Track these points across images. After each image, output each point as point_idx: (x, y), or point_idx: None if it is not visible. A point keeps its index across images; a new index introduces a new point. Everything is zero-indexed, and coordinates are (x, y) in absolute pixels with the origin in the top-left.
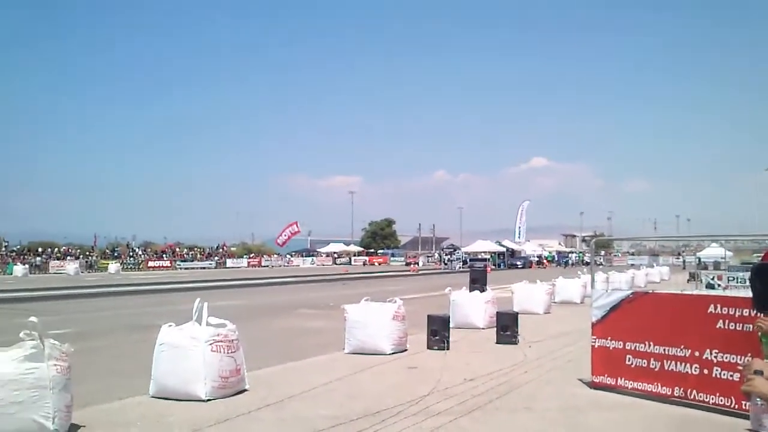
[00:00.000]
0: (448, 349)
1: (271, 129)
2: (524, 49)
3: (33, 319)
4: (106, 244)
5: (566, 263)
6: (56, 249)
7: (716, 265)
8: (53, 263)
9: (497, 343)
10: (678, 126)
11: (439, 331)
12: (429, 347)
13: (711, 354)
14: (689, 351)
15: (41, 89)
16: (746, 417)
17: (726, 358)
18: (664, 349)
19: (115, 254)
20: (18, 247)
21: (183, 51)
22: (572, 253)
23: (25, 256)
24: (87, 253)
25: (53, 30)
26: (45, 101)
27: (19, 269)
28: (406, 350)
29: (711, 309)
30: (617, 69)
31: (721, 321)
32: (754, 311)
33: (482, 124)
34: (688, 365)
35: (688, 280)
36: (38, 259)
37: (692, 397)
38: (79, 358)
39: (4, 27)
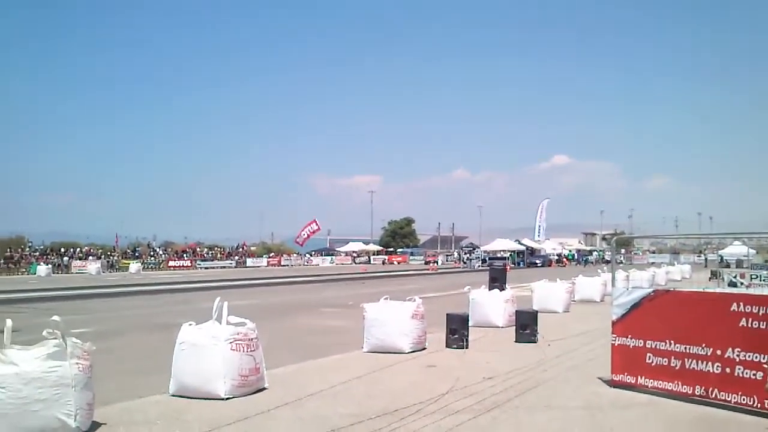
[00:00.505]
0: (467, 347)
1: (292, 129)
2: (546, 47)
3: (55, 318)
4: (127, 244)
5: (586, 261)
6: (78, 249)
7: (739, 263)
8: (75, 263)
9: (517, 341)
10: (700, 123)
11: (458, 330)
12: (448, 346)
13: (733, 352)
14: (711, 349)
15: (63, 91)
16: None
17: (749, 356)
18: (685, 348)
19: (136, 254)
20: (41, 247)
21: (205, 49)
22: (594, 251)
23: (48, 256)
24: (108, 253)
25: (71, 30)
26: (67, 104)
27: (42, 269)
28: (425, 349)
29: (734, 307)
30: (640, 67)
31: (744, 319)
32: None
33: (502, 122)
34: (709, 364)
35: (710, 278)
36: (65, 258)
37: (714, 396)
38: (100, 357)
39: (24, 27)
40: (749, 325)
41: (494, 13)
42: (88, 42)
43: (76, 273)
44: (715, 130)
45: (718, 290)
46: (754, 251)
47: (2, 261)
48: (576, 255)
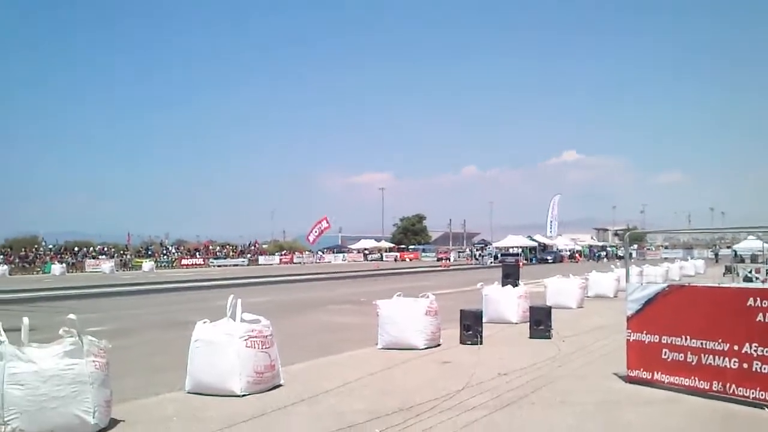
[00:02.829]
0: (481, 343)
1: (303, 127)
2: (556, 43)
3: (71, 316)
4: (139, 243)
5: (598, 257)
6: (91, 248)
7: (753, 258)
8: (89, 262)
9: (530, 337)
10: (712, 117)
11: (472, 326)
12: (462, 342)
13: (751, 348)
14: (728, 345)
15: (76, 91)
16: None
17: (767, 352)
18: (702, 343)
19: (149, 252)
20: (54, 246)
21: (214, 48)
22: (608, 247)
23: (62, 256)
24: (121, 251)
25: (83, 28)
26: (78, 104)
27: (56, 268)
28: (439, 345)
29: (750, 302)
30: (650, 60)
31: (761, 314)
32: None
33: (512, 118)
34: (726, 359)
35: (725, 274)
36: (79, 257)
37: (731, 391)
38: (116, 355)
39: (37, 28)
40: (766, 320)
41: (504, 12)
42: (98, 41)
43: (90, 272)
44: (728, 124)
45: (733, 285)
46: None
47: (18, 260)
48: (588, 251)
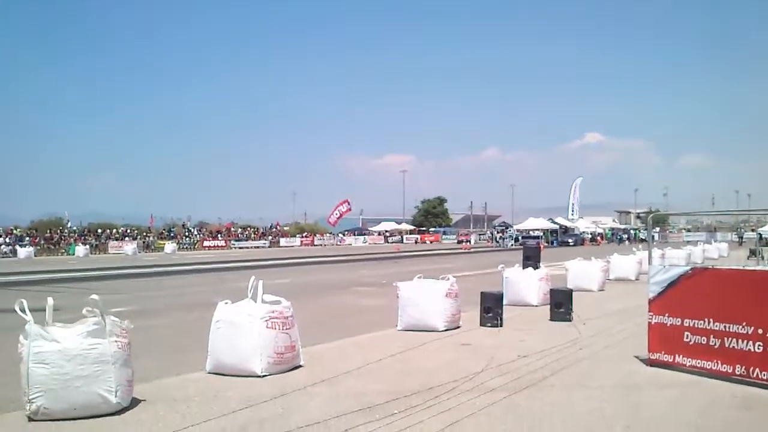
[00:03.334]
0: (501, 326)
1: (325, 109)
2: (577, 24)
3: (94, 296)
4: (162, 225)
5: (620, 240)
6: (114, 230)
7: None
8: (112, 244)
9: (551, 320)
10: (736, 99)
11: (492, 309)
12: (482, 324)
13: None
14: (752, 328)
15: (100, 73)
16: None
17: None
18: (725, 326)
19: (171, 234)
20: (78, 228)
21: (238, 30)
22: (631, 229)
23: (86, 237)
24: (144, 233)
25: (108, 10)
26: (105, 85)
27: (80, 249)
28: (459, 327)
29: None
30: (674, 42)
31: None
32: None
33: (534, 100)
34: (750, 343)
35: (749, 257)
36: (102, 239)
37: (755, 375)
38: (138, 335)
39: (64, 11)
40: None
41: None
42: (124, 22)
43: (113, 253)
44: (752, 106)
45: (758, 269)
46: None
47: (43, 242)
48: (611, 233)
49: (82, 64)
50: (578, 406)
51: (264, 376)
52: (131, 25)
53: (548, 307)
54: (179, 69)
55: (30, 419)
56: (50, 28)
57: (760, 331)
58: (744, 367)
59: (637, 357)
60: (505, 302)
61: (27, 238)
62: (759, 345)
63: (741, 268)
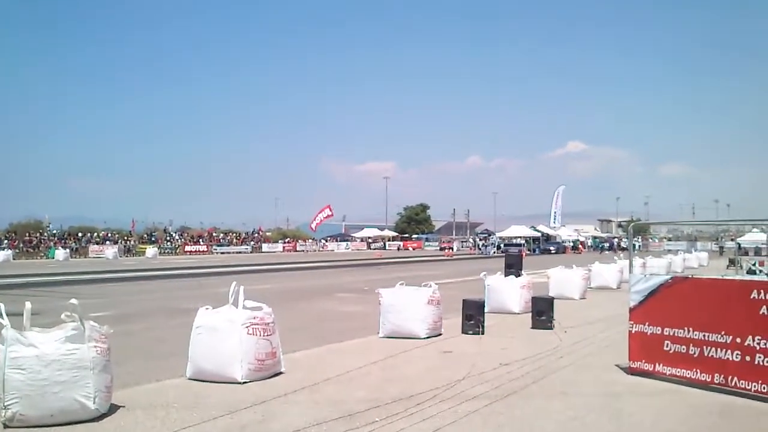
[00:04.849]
0: (482, 333)
1: (308, 115)
2: (561, 34)
3: (73, 301)
4: (143, 229)
5: (602, 248)
6: (95, 234)
7: (757, 251)
8: (93, 247)
9: (532, 328)
10: (718, 109)
11: (474, 316)
12: (464, 332)
13: (753, 341)
14: (730, 337)
15: (80, 75)
16: None
17: None
18: (704, 335)
19: (153, 239)
20: (58, 231)
21: (218, 34)
22: (614, 238)
23: (66, 241)
24: (125, 237)
25: (89, 11)
26: (86, 87)
27: (60, 253)
28: (440, 335)
29: (754, 295)
30: (655, 52)
31: (764, 307)
32: None
33: (517, 108)
34: (729, 352)
35: (728, 266)
36: (83, 243)
37: (733, 384)
38: (118, 340)
39: (42, 12)
40: None
41: (509, 3)
42: (103, 25)
43: (94, 257)
44: (733, 116)
45: (737, 278)
46: None
47: (22, 245)
48: (595, 242)
49: (62, 66)
50: (559, 414)
51: (244, 382)
52: (109, 28)
53: (530, 314)
54: (161, 73)
55: (5, 426)
56: (28, 30)
57: (738, 340)
58: (722, 375)
59: (618, 365)
60: (486, 310)
61: (5, 241)
62: (737, 354)
63: (720, 277)
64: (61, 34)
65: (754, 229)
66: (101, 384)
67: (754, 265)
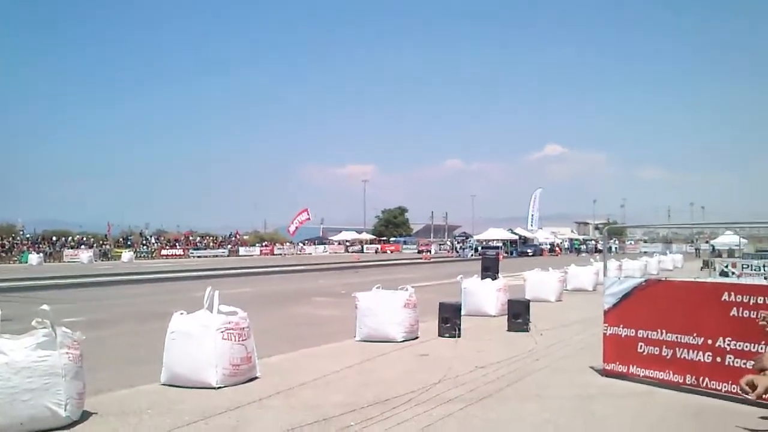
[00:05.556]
0: (459, 336)
1: (286, 118)
2: (537, 38)
3: (45, 307)
4: (119, 233)
5: (578, 251)
6: (70, 237)
7: (730, 253)
8: (67, 252)
9: (509, 330)
10: (693, 113)
11: (450, 319)
12: (440, 335)
13: (724, 342)
14: (702, 339)
15: (57, 80)
16: (760, 405)
17: (739, 346)
18: (677, 337)
19: (129, 243)
20: (32, 235)
21: (197, 40)
22: (591, 240)
23: (40, 245)
24: (101, 241)
25: (69, 18)
26: (62, 92)
27: (33, 258)
28: (417, 338)
29: (725, 297)
30: (632, 57)
31: (735, 309)
32: None
33: (496, 112)
34: (700, 353)
35: (702, 268)
36: (57, 247)
37: (704, 385)
38: (91, 346)
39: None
40: (740, 315)
41: (486, 5)
42: (83, 33)
43: (68, 262)
44: (708, 120)
45: (709, 280)
46: (746, 241)
47: None
48: (568, 244)
49: (41, 69)
50: (533, 417)
51: (219, 387)
52: (91, 32)
53: (506, 317)
54: (139, 77)
55: None
56: (28, 30)
57: (709, 341)
58: (694, 376)
59: (592, 368)
60: (463, 313)
61: None
62: (708, 355)
63: (693, 279)
64: (61, 34)
65: (728, 232)
66: (73, 391)
67: (726, 267)
